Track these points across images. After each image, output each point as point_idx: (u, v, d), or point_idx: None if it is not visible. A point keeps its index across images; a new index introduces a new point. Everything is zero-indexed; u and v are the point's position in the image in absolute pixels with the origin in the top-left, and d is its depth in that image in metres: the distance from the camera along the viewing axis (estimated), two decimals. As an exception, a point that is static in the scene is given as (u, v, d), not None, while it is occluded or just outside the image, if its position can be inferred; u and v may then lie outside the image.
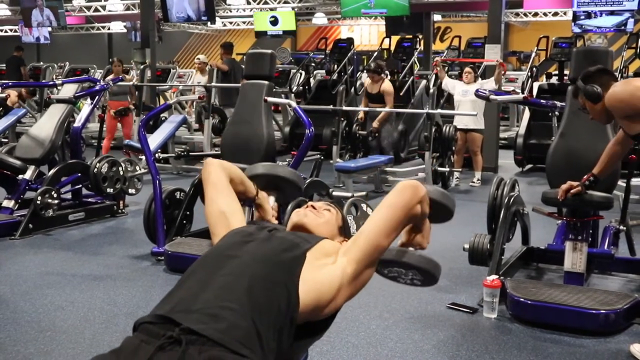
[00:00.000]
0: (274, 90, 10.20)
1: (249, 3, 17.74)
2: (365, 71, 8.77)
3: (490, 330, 3.66)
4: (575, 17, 12.97)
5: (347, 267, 1.87)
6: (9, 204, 5.85)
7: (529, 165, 9.52)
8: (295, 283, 1.78)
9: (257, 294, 1.71)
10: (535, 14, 18.20)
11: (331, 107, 8.59)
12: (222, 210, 2.12)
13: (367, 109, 8.55)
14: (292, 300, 1.75)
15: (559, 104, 4.43)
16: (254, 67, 5.30)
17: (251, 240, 1.92)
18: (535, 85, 9.94)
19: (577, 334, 3.56)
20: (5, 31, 24.07)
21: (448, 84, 8.47)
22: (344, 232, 2.17)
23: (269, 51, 5.42)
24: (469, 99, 7.91)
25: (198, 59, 10.43)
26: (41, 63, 15.99)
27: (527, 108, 9.63)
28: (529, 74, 9.85)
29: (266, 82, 5.16)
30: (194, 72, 12.08)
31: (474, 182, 8.21)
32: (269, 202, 2.42)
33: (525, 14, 18.26)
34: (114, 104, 9.73)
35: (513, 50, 19.83)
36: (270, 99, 4.94)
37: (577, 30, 12.83)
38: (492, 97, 4.63)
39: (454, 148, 7.95)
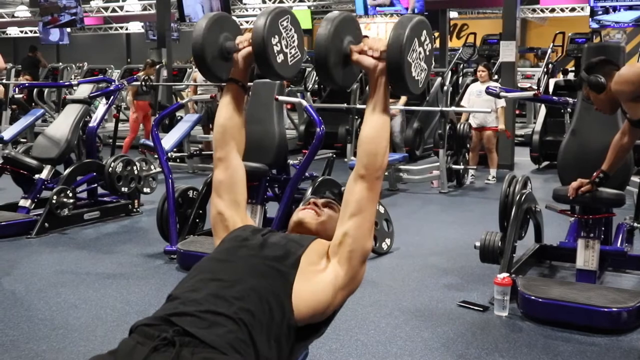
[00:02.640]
0: (290, 89, 10.30)
1: (264, 2, 17.77)
2: None
3: (500, 329, 3.65)
4: (593, 12, 12.82)
5: (340, 271, 1.89)
6: (25, 203, 5.92)
7: (546, 163, 9.45)
8: (288, 293, 1.79)
9: (250, 303, 1.72)
10: (553, 10, 18.06)
11: (345, 105, 8.58)
12: (220, 212, 2.12)
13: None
14: (286, 309, 1.76)
15: (571, 100, 4.41)
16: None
17: (245, 245, 1.92)
18: (552, 81, 9.87)
19: (589, 332, 3.53)
20: (25, 32, 24.33)
21: (467, 101, 8.38)
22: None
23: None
24: (482, 99, 7.88)
25: None
26: (60, 64, 16.14)
27: (543, 105, 9.57)
28: (545, 70, 9.78)
29: (277, 81, 5.17)
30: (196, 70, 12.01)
31: (489, 180, 8.19)
32: (238, 56, 2.13)
33: (542, 10, 18.13)
34: (139, 104, 9.81)
35: (530, 46, 19.68)
36: (281, 97, 4.95)
37: (595, 25, 12.70)
38: (503, 93, 4.61)
39: (468, 145, 7.92)
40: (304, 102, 4.83)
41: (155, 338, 1.60)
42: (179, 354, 1.55)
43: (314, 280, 1.85)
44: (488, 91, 4.55)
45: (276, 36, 2.04)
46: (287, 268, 1.84)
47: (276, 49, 2.04)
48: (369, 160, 1.92)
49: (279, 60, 2.05)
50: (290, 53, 2.09)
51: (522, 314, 3.77)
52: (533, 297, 3.70)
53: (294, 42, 2.10)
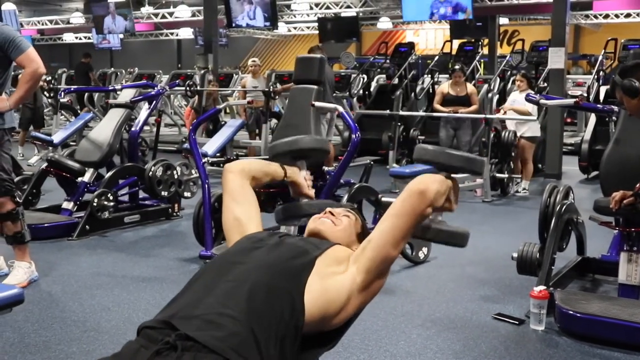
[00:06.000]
0: (335, 94, 10.27)
1: (311, 8, 17.83)
2: (452, 72, 8.38)
3: (535, 343, 3.53)
4: (648, 18, 12.47)
5: (357, 277, 1.82)
6: (68, 205, 6.03)
7: (595, 172, 9.18)
8: (301, 291, 1.74)
9: (258, 302, 1.69)
10: (607, 16, 17.62)
11: (388, 111, 8.51)
12: (237, 217, 2.10)
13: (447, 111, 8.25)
14: (296, 308, 1.71)
15: (616, 108, 4.25)
16: (303, 72, 5.28)
17: (260, 246, 1.89)
18: (603, 89, 9.60)
19: (629, 350, 3.39)
20: (80, 38, 24.96)
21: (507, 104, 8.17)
22: (363, 238, 2.12)
23: (318, 56, 5.40)
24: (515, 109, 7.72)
25: (253, 61, 10.53)
26: (112, 69, 16.50)
27: (593, 113, 9.31)
28: (596, 77, 9.52)
29: (315, 87, 5.13)
30: (245, 76, 12.13)
31: (518, 192, 7.94)
32: (301, 175, 2.38)
33: (595, 16, 17.71)
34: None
35: (584, 53, 19.23)
36: (317, 103, 4.91)
37: (650, 32, 12.34)
38: (542, 101, 4.48)
39: (513, 154, 7.75)
40: (340, 108, 4.78)
41: (158, 342, 1.60)
42: (180, 358, 1.54)
43: (328, 281, 1.80)
44: (528, 98, 4.43)
45: None
46: (301, 267, 1.80)
47: None
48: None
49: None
50: None
51: (560, 328, 3.65)
52: (571, 312, 3.57)
53: None
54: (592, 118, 9.33)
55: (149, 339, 1.63)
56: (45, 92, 9.94)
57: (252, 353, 1.60)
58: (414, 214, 1.84)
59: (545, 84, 9.82)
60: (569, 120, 12.55)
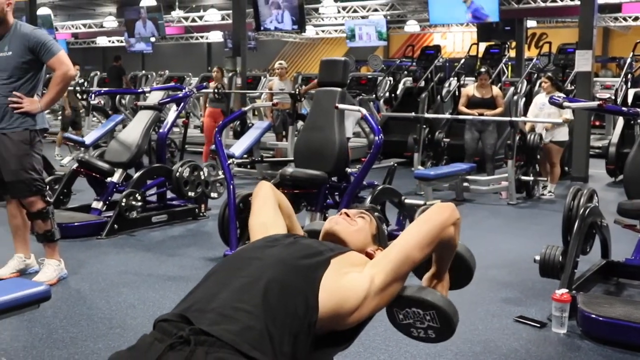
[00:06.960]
0: (361, 97, 10.31)
1: (339, 12, 17.89)
2: (477, 75, 8.37)
3: (557, 347, 3.53)
4: (680, 20, 12.28)
5: (376, 277, 1.84)
6: (97, 205, 6.14)
7: (622, 176, 9.07)
8: (315, 288, 1.77)
9: (273, 297, 1.71)
10: (636, 18, 17.40)
11: (413, 114, 8.52)
12: (264, 222, 2.15)
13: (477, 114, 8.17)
14: (310, 305, 1.74)
15: (641, 111, 4.23)
16: (328, 74, 5.34)
17: (275, 245, 1.93)
18: (631, 92, 9.50)
19: (652, 354, 3.38)
20: (113, 42, 25.33)
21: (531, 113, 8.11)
22: (379, 240, 2.15)
23: (342, 58, 5.45)
24: (545, 113, 7.67)
25: (280, 64, 10.60)
26: (143, 71, 16.73)
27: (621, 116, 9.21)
28: (624, 80, 9.42)
29: (339, 89, 5.18)
30: (273, 78, 12.21)
31: (544, 194, 7.89)
32: None
33: (624, 19, 17.50)
34: (212, 110, 10.00)
35: (613, 56, 19.01)
36: (341, 105, 4.96)
37: (681, 34, 12.15)
38: (566, 104, 4.47)
39: (539, 157, 7.71)
40: (364, 110, 4.81)
41: (172, 336, 1.62)
42: (193, 352, 1.56)
43: (343, 280, 1.82)
44: (551, 101, 4.43)
45: None
46: (315, 264, 1.83)
47: None
48: None
49: None
50: None
51: (582, 332, 3.64)
52: (593, 315, 3.56)
53: None
54: (620, 121, 9.23)
55: (164, 332, 1.66)
56: (78, 95, 10.13)
57: (266, 347, 1.62)
58: (442, 223, 1.91)
59: (573, 87, 9.74)
60: (597, 123, 12.43)
